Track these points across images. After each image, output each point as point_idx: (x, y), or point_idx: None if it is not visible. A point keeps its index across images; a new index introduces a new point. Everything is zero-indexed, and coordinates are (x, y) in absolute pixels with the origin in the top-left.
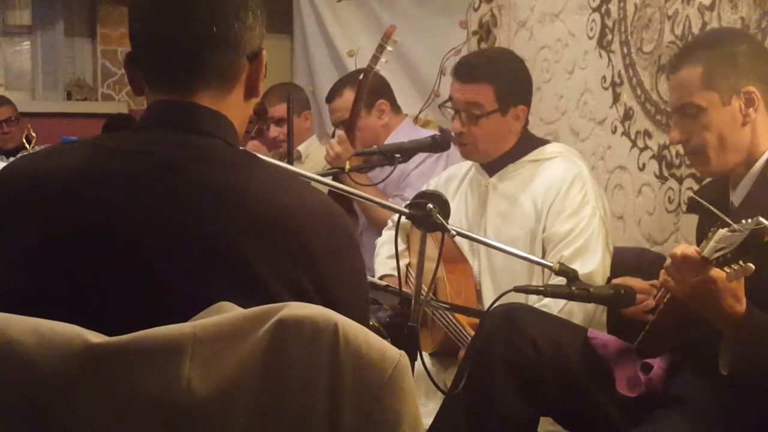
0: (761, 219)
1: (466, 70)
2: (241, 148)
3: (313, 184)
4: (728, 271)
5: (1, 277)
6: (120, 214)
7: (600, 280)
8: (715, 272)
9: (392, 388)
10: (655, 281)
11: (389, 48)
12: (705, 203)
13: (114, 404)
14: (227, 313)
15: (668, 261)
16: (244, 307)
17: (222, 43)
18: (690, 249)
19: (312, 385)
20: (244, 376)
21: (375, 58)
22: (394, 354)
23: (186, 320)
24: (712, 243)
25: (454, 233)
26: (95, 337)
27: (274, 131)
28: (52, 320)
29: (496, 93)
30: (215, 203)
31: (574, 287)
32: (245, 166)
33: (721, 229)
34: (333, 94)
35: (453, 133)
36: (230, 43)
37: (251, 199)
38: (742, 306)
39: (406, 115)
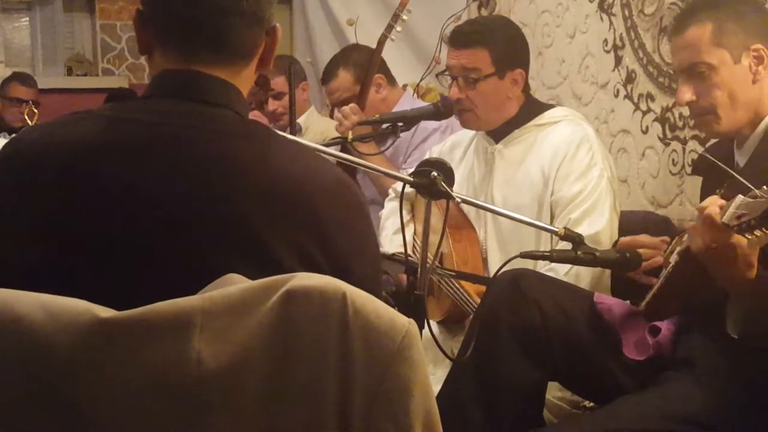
0: None
1: (460, 37)
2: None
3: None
4: (750, 237)
5: (12, 249)
6: (130, 186)
7: (607, 240)
8: (736, 238)
9: (402, 356)
10: (665, 237)
11: (404, 17)
12: (716, 161)
13: (124, 379)
14: (236, 284)
15: (695, 214)
16: (255, 278)
17: (249, 17)
18: (714, 209)
19: (322, 356)
20: (254, 348)
21: (390, 27)
22: (404, 322)
23: (197, 292)
24: (731, 209)
25: (459, 200)
26: (104, 312)
27: (273, 105)
28: (61, 294)
29: (492, 56)
30: (226, 175)
31: (580, 251)
32: (256, 137)
33: (740, 195)
34: (328, 76)
35: (451, 100)
36: (256, 18)
37: (261, 171)
38: (753, 272)
39: (405, 87)
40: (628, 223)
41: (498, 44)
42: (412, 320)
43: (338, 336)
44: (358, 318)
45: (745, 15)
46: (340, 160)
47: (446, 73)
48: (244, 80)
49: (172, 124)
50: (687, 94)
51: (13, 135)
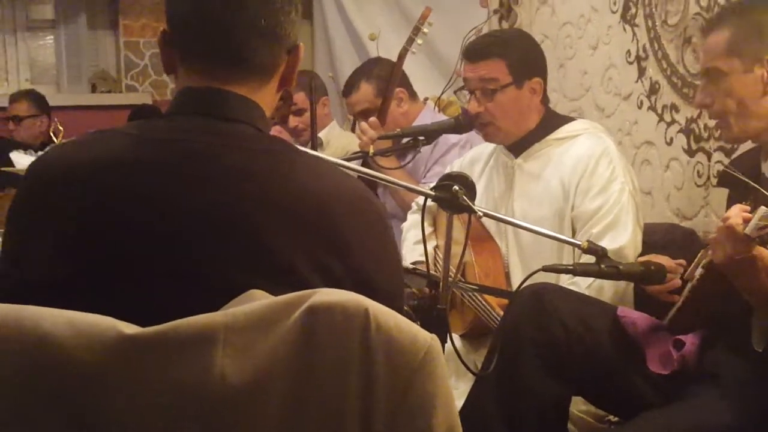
0: None
1: (476, 49)
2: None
3: None
4: None
5: (38, 267)
6: (153, 203)
7: (632, 254)
8: (759, 250)
9: (424, 372)
10: (681, 260)
11: (425, 30)
12: (739, 174)
13: (148, 395)
14: (259, 301)
15: (719, 224)
16: (277, 294)
17: (269, 36)
18: (737, 219)
19: (344, 372)
20: (277, 364)
21: (410, 40)
22: (426, 338)
23: (219, 308)
24: (754, 221)
25: (481, 214)
26: (128, 329)
27: (294, 121)
28: (86, 311)
29: (508, 66)
30: (247, 190)
31: (603, 265)
32: (277, 152)
33: (763, 207)
34: (350, 89)
35: (470, 115)
36: (276, 36)
37: (282, 186)
38: None
39: (426, 100)
40: (653, 235)
41: (513, 54)
42: (434, 335)
43: (360, 351)
44: (381, 333)
45: (766, 26)
46: (360, 174)
47: (464, 88)
48: (266, 97)
49: (193, 141)
50: (699, 97)
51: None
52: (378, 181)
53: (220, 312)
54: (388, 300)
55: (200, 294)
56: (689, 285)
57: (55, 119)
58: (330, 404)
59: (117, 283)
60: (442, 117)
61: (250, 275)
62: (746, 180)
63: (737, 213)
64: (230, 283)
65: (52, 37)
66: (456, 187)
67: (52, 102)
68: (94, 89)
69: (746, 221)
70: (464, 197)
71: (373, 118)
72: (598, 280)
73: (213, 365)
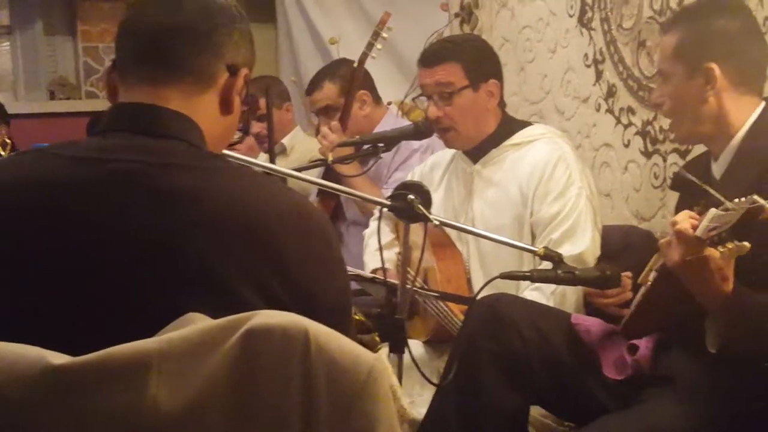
0: (756, 197)
1: (430, 55)
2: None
3: (296, 181)
4: (722, 250)
5: None
6: (82, 226)
7: (591, 259)
8: (709, 251)
9: (367, 393)
10: (628, 273)
11: (384, 35)
12: (692, 177)
13: (79, 426)
14: (196, 324)
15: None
16: (215, 316)
17: (204, 41)
18: (685, 224)
19: (285, 395)
20: (214, 390)
21: (370, 45)
22: (368, 359)
23: (156, 332)
24: (704, 222)
25: (437, 223)
26: (57, 359)
27: (257, 127)
28: (13, 340)
29: (464, 69)
30: (179, 210)
31: (560, 271)
32: (211, 169)
33: (713, 209)
34: (313, 87)
35: (430, 120)
36: (211, 43)
37: (217, 204)
38: (729, 286)
39: (389, 105)
40: (611, 238)
41: (468, 57)
42: (378, 356)
43: (301, 375)
44: (322, 355)
45: (712, 33)
46: (319, 186)
47: (422, 95)
48: (202, 110)
49: (123, 161)
50: (654, 95)
51: None
52: (334, 191)
53: (155, 338)
54: (330, 315)
55: (136, 319)
56: (642, 289)
57: (2, 131)
58: (271, 429)
59: (47, 310)
60: (404, 122)
61: (186, 297)
62: (697, 182)
63: (684, 218)
64: (167, 307)
65: (8, 43)
66: (411, 196)
67: (9, 110)
68: (52, 96)
69: (694, 227)
70: (419, 206)
71: (334, 122)
72: (561, 287)
73: (146, 394)
